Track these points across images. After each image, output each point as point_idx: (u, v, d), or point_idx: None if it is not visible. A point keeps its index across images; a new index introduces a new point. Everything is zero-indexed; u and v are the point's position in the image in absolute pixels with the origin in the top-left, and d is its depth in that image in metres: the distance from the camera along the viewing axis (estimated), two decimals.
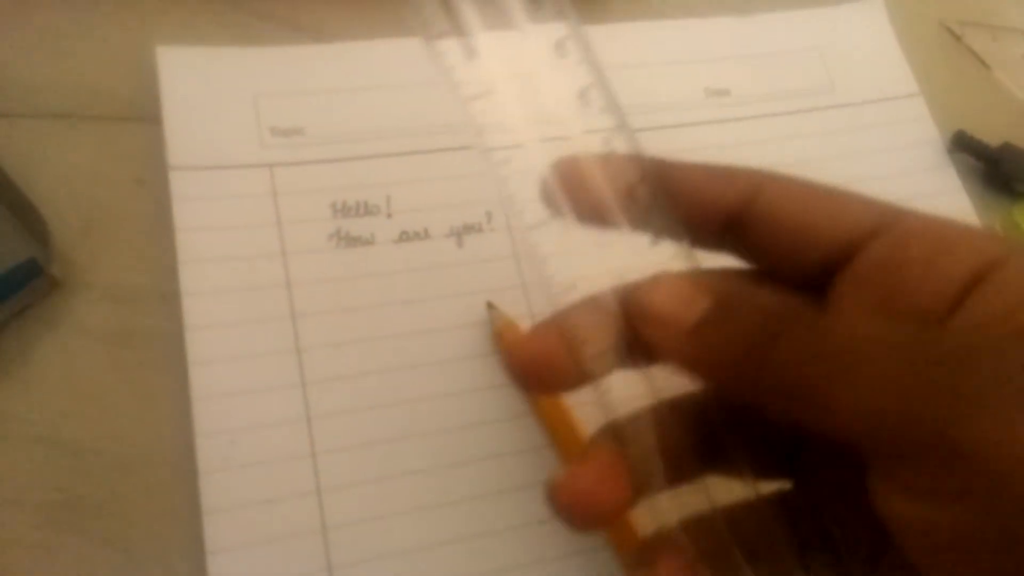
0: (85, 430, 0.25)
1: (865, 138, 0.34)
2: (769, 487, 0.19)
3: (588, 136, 0.19)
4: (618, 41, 0.34)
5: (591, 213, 0.19)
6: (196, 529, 0.24)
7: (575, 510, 0.18)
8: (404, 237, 0.29)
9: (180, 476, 0.25)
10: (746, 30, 0.35)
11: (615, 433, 0.19)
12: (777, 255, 0.19)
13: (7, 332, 0.26)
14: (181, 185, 0.27)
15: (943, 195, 0.33)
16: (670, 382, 0.19)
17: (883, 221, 0.18)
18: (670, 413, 0.19)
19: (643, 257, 0.18)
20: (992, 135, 0.34)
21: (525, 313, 0.28)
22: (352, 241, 0.28)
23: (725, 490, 0.19)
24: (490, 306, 0.28)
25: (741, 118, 0.33)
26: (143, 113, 0.29)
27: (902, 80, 0.35)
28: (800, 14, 0.36)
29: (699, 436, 0.19)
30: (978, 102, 0.36)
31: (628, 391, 0.19)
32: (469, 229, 0.29)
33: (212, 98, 0.29)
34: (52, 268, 0.26)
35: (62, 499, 0.24)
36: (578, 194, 0.19)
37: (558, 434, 0.27)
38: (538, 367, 0.19)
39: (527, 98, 0.19)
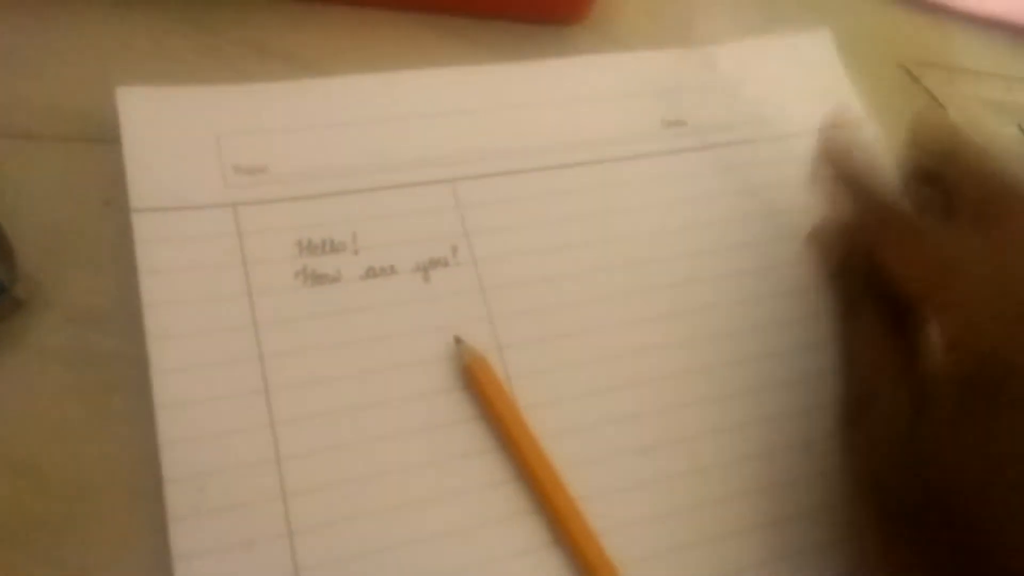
0: (44, 451, 0.25)
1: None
2: None
3: None
4: (575, 75, 0.34)
5: None
6: (156, 552, 0.24)
7: None
8: (371, 273, 0.29)
9: (139, 500, 0.25)
10: (698, 61, 0.36)
11: None
12: None
13: None
14: (144, 227, 0.27)
15: None
16: None
17: None
18: None
19: None
20: None
21: (493, 346, 0.29)
22: (319, 279, 0.28)
23: None
24: (458, 341, 0.28)
25: (697, 148, 0.34)
26: (109, 135, 0.29)
27: (850, 109, 0.37)
28: (750, 44, 0.37)
29: None
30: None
31: None
32: (435, 263, 0.30)
33: (174, 138, 0.29)
34: (15, 288, 0.26)
35: (20, 520, 0.24)
36: None
37: (527, 468, 0.27)
38: None
39: None
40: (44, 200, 0.28)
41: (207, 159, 0.29)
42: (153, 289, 0.26)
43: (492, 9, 0.35)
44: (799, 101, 0.36)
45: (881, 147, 0.36)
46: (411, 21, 0.34)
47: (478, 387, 0.28)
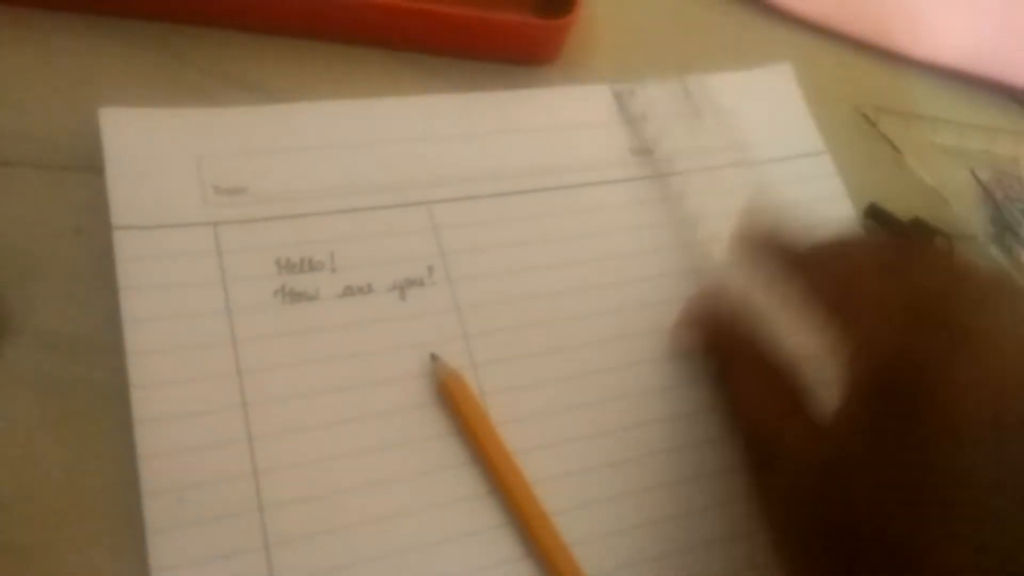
0: (9, 478, 0.25)
1: (781, 192, 0.36)
2: None
3: None
4: (547, 103, 0.36)
5: None
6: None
7: None
8: (348, 291, 0.30)
9: (111, 526, 0.25)
10: (665, 91, 0.37)
11: None
12: None
13: None
14: (125, 244, 0.28)
15: None
16: None
17: None
18: None
19: None
20: (902, 213, 0.37)
21: (467, 364, 0.29)
22: (297, 297, 0.29)
23: None
24: (434, 357, 0.29)
25: (664, 175, 0.35)
26: (84, 163, 0.30)
27: (811, 140, 0.38)
28: (716, 77, 0.38)
29: None
30: (890, 184, 0.39)
31: None
32: (411, 283, 0.30)
33: (155, 158, 0.29)
34: None
35: None
36: None
37: (500, 482, 0.28)
38: None
39: None
40: (16, 226, 0.28)
41: (188, 179, 0.29)
42: (133, 306, 0.27)
43: (463, 49, 0.36)
44: (763, 131, 0.38)
45: (838, 184, 0.37)
46: (384, 57, 0.35)
47: (453, 403, 0.28)
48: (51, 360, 0.27)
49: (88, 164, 0.29)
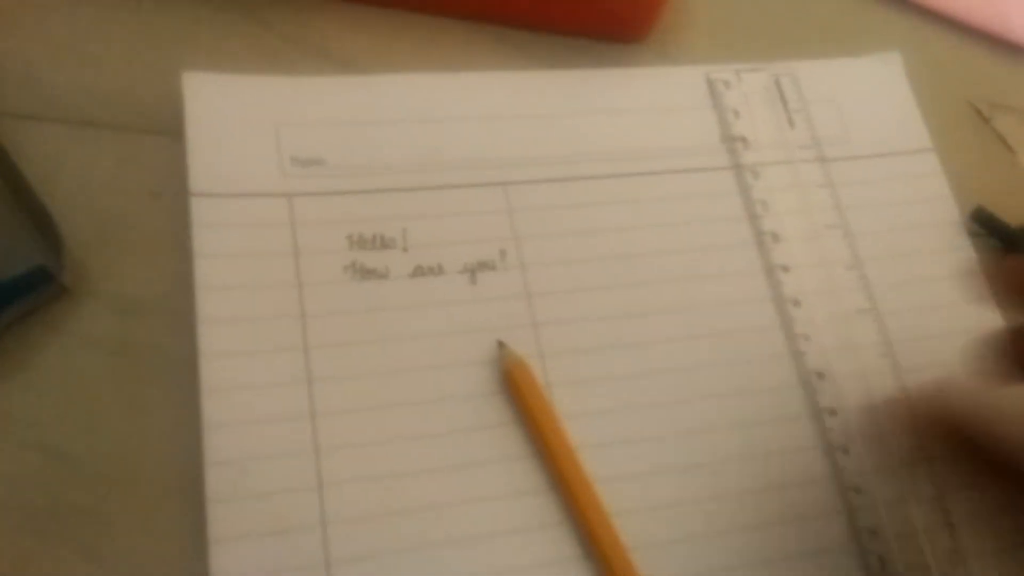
0: (78, 439, 0.26)
1: (881, 190, 0.34)
2: None
3: None
4: (636, 85, 0.34)
5: None
6: (187, 543, 0.24)
7: None
8: (418, 272, 0.29)
9: (173, 491, 0.25)
10: (763, 78, 0.35)
11: None
12: None
13: (11, 335, 0.26)
14: (202, 212, 0.28)
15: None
16: None
17: None
18: None
19: None
20: (1012, 218, 0.34)
21: (535, 353, 0.29)
22: (367, 274, 0.28)
23: None
24: (500, 345, 0.28)
25: (764, 162, 0.34)
26: (164, 127, 0.30)
27: (917, 135, 0.36)
28: (817, 64, 0.36)
29: None
30: (999, 185, 0.36)
31: None
32: (483, 266, 0.30)
33: (235, 126, 0.29)
34: (62, 275, 0.26)
35: (48, 506, 0.25)
36: None
37: (561, 477, 0.27)
38: None
39: None
40: (95, 189, 0.29)
41: (266, 148, 0.29)
42: (206, 273, 0.27)
43: (551, 23, 0.34)
44: (865, 125, 0.35)
45: (943, 183, 0.35)
46: (467, 30, 0.34)
47: (517, 392, 0.28)
48: (124, 323, 0.27)
49: (167, 128, 0.29)
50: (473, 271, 0.29)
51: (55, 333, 0.27)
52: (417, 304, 0.28)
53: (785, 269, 0.32)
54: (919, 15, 0.40)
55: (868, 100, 0.36)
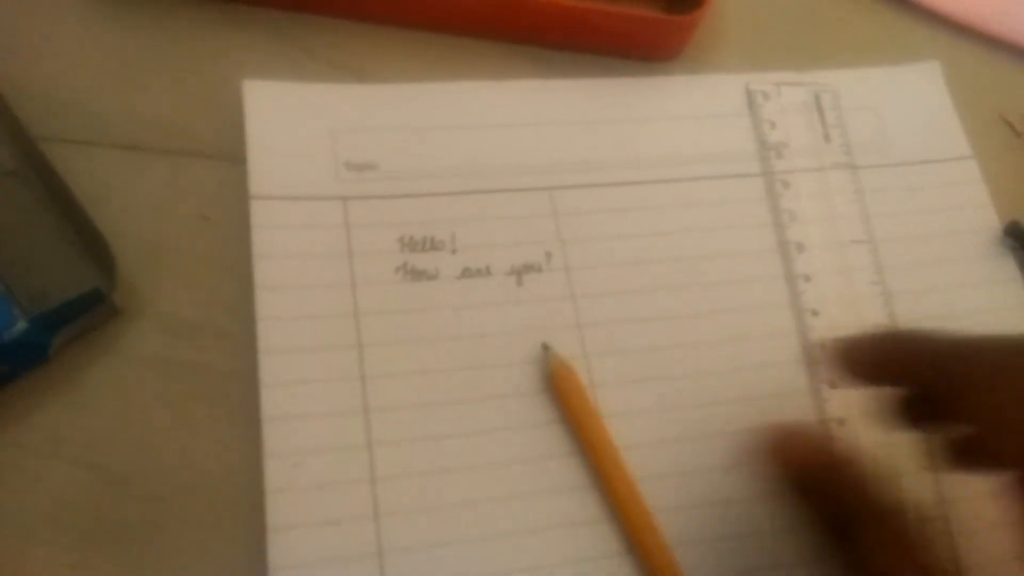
0: (129, 458, 0.26)
1: (918, 198, 0.35)
2: None
3: None
4: (677, 92, 0.35)
5: None
6: (233, 562, 0.25)
7: None
8: (467, 273, 0.30)
9: (217, 512, 0.26)
10: (801, 86, 0.36)
11: None
12: None
13: (64, 355, 0.27)
14: (260, 214, 0.29)
15: (1000, 284, 0.34)
16: None
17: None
18: None
19: None
20: None
21: (579, 354, 0.29)
22: (417, 275, 0.29)
23: None
24: (545, 347, 0.29)
25: (793, 171, 0.34)
26: (212, 150, 0.31)
27: (957, 143, 0.36)
28: (857, 72, 0.37)
29: None
30: None
31: None
32: (529, 268, 0.30)
33: (293, 131, 0.30)
34: (114, 296, 0.27)
35: (99, 524, 0.25)
36: None
37: (604, 475, 0.27)
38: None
39: None
40: (145, 212, 0.29)
41: (322, 153, 0.30)
42: (265, 273, 0.28)
43: (585, 43, 0.35)
44: (905, 132, 0.36)
45: (983, 191, 0.35)
46: (502, 51, 0.35)
47: (561, 394, 0.28)
48: (173, 344, 0.28)
49: (214, 151, 0.30)
50: (519, 273, 0.30)
51: (106, 353, 0.27)
52: (465, 305, 0.29)
53: (807, 279, 0.32)
54: (951, 28, 0.40)
55: (908, 108, 0.36)
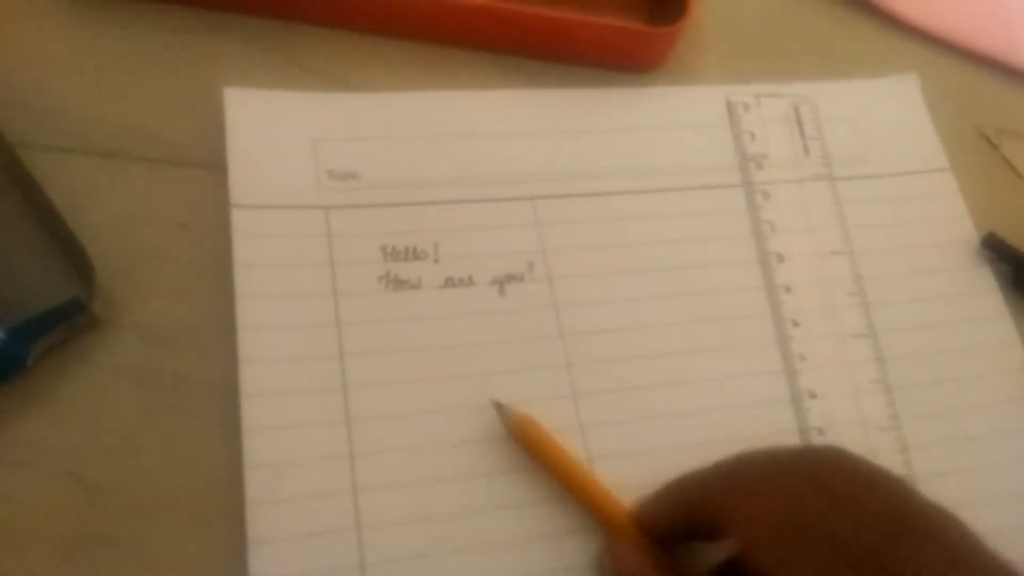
0: (108, 468, 0.26)
1: (896, 209, 0.35)
2: None
3: None
4: (658, 103, 0.35)
5: None
6: (212, 573, 0.25)
7: None
8: (449, 283, 0.30)
9: (198, 523, 0.26)
10: (781, 98, 0.36)
11: None
12: None
13: (42, 365, 0.27)
14: (241, 223, 0.29)
15: (978, 294, 0.34)
16: None
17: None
18: None
19: None
20: (1020, 244, 0.35)
21: (562, 363, 0.29)
22: (400, 284, 0.29)
23: None
24: (498, 406, 0.28)
25: (773, 182, 0.34)
26: (192, 159, 0.30)
27: (934, 155, 0.37)
28: (836, 84, 0.37)
29: None
30: (1008, 210, 0.37)
31: None
32: (511, 278, 0.30)
33: (274, 140, 0.30)
34: (93, 306, 0.27)
35: (79, 535, 0.25)
36: None
37: (585, 494, 0.27)
38: None
39: None
40: (124, 220, 0.29)
41: (304, 162, 0.30)
42: (246, 282, 0.28)
43: (567, 54, 0.35)
44: (883, 144, 0.36)
45: (960, 203, 0.36)
46: (486, 60, 0.35)
47: (530, 447, 0.27)
48: (153, 353, 0.27)
49: (194, 160, 0.30)
50: (502, 283, 0.30)
51: (85, 363, 0.27)
52: (448, 315, 0.29)
53: (787, 289, 0.33)
54: (928, 42, 0.40)
55: (885, 121, 0.37)
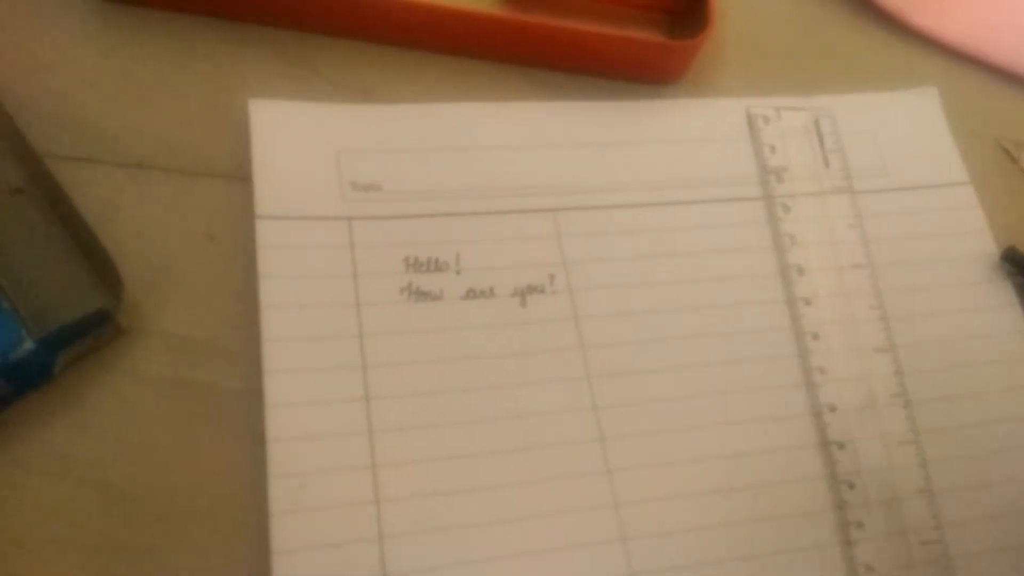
0: (134, 477, 0.26)
1: (915, 223, 0.35)
2: None
3: None
4: (679, 115, 0.35)
5: None
6: None
7: None
8: (471, 294, 0.30)
9: (223, 532, 0.26)
10: (801, 110, 0.36)
11: None
12: None
13: (68, 374, 0.27)
14: (266, 234, 0.29)
15: (998, 309, 0.34)
16: None
17: None
18: None
19: None
20: None
21: (582, 375, 0.29)
22: (422, 296, 0.29)
23: None
24: None
25: (794, 195, 0.34)
26: (218, 169, 0.31)
27: (953, 168, 0.37)
28: (855, 97, 0.37)
29: None
30: None
31: None
32: (532, 290, 0.31)
33: (298, 151, 0.30)
34: (119, 316, 0.27)
35: (105, 543, 0.25)
36: None
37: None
38: None
39: None
40: (150, 230, 0.29)
41: (328, 173, 0.30)
42: (270, 293, 0.28)
43: (589, 67, 0.35)
44: (903, 157, 0.36)
45: (980, 217, 0.36)
46: (508, 72, 0.35)
47: None
48: (178, 363, 0.28)
49: (221, 170, 0.30)
50: (523, 294, 0.30)
51: (111, 372, 0.27)
52: (470, 326, 0.29)
53: (807, 302, 0.33)
54: (947, 55, 0.40)
55: (905, 133, 0.37)
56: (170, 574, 0.25)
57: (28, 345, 0.25)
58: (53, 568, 0.25)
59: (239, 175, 0.30)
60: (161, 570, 0.25)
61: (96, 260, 0.27)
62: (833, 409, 0.31)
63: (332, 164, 0.30)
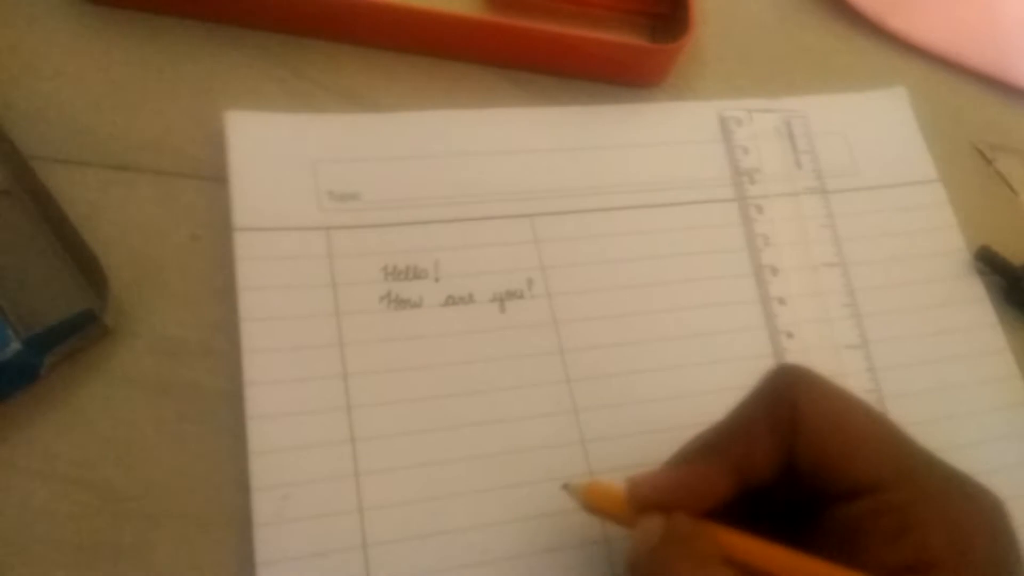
0: (119, 477, 0.26)
1: (887, 221, 0.36)
2: None
3: None
4: (654, 119, 0.36)
5: None
6: None
7: None
8: (450, 301, 0.30)
9: (211, 530, 0.26)
10: (774, 112, 0.37)
11: None
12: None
13: (55, 374, 0.27)
14: (244, 245, 0.29)
15: (969, 304, 0.35)
16: None
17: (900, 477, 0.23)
18: None
19: None
20: (1015, 258, 0.35)
21: (562, 379, 0.30)
22: (401, 304, 0.30)
23: None
24: (567, 487, 0.26)
25: (766, 196, 0.35)
26: (202, 171, 0.31)
27: (923, 167, 0.37)
28: (826, 98, 0.38)
29: None
30: (1003, 225, 0.37)
31: None
32: (511, 295, 0.31)
33: (275, 162, 0.30)
34: (105, 316, 0.27)
35: (90, 543, 0.25)
36: None
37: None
38: None
39: None
40: (134, 231, 0.29)
41: (305, 184, 0.30)
42: (250, 305, 0.28)
43: (571, 69, 0.36)
44: (873, 156, 0.37)
45: (950, 214, 0.36)
46: (489, 74, 0.35)
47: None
48: (164, 363, 0.28)
49: (205, 171, 0.31)
50: (502, 299, 0.31)
51: (97, 372, 0.27)
52: (450, 332, 0.30)
53: (781, 302, 0.33)
54: (923, 58, 0.41)
55: (875, 133, 0.38)
56: (156, 573, 0.25)
57: (15, 346, 0.25)
58: (40, 567, 0.25)
59: (223, 177, 0.30)
60: (147, 569, 0.25)
61: (82, 261, 0.27)
62: None
63: (309, 174, 0.31)
